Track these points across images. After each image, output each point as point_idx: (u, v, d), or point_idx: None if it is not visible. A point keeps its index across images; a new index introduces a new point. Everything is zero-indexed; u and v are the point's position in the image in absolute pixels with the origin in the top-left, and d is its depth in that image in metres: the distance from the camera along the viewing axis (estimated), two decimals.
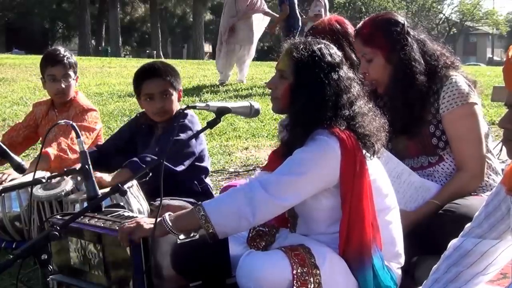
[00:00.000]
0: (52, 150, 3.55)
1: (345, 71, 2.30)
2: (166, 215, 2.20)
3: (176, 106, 3.39)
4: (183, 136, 3.26)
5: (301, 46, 2.29)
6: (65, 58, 3.80)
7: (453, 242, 2.08)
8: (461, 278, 2.02)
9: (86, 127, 3.73)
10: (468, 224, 2.07)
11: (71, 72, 3.82)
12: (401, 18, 2.82)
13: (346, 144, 2.19)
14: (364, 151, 2.25)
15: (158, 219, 2.17)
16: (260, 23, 9.69)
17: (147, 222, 2.20)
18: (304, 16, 10.54)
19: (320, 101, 2.23)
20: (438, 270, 2.06)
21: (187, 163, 3.28)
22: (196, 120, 3.39)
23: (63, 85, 3.80)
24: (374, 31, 2.77)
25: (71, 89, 3.84)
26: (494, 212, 1.98)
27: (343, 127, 2.22)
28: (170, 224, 2.16)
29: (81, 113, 3.80)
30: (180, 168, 3.22)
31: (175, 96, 3.36)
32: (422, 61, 2.74)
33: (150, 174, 2.93)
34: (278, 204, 2.19)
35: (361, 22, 2.86)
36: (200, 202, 2.22)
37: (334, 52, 2.32)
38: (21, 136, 3.98)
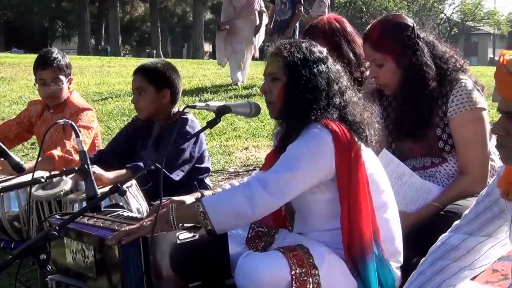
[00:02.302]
0: (56, 152, 3.55)
1: (332, 64, 2.37)
2: (173, 205, 2.24)
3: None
4: (185, 145, 3.27)
5: (287, 46, 2.36)
6: (55, 62, 3.76)
7: (441, 237, 2.09)
8: (447, 271, 2.04)
9: (83, 126, 3.72)
10: (457, 222, 2.07)
11: (61, 76, 3.79)
12: (410, 21, 2.80)
13: (339, 136, 2.21)
14: (358, 142, 2.27)
15: (164, 210, 2.20)
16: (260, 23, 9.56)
17: (147, 221, 2.22)
18: (306, 16, 10.46)
19: (313, 92, 2.28)
20: (424, 263, 2.08)
21: (186, 169, 3.28)
22: (197, 126, 3.38)
23: (52, 89, 3.77)
24: (384, 36, 2.75)
25: (62, 92, 3.82)
26: (484, 213, 1.99)
27: (335, 116, 2.26)
28: (175, 214, 2.19)
29: (76, 112, 3.79)
30: (178, 177, 3.24)
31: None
32: (433, 66, 2.73)
33: (151, 183, 2.95)
34: (276, 201, 2.22)
35: (370, 26, 2.83)
36: (200, 198, 2.23)
37: (318, 49, 2.39)
38: (13, 133, 3.97)
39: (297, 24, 9.87)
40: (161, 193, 2.23)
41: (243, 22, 9.25)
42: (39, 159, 3.41)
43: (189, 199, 2.62)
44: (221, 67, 9.84)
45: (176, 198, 2.60)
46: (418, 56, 2.72)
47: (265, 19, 9.60)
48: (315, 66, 2.31)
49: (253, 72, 10.87)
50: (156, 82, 3.36)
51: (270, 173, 2.23)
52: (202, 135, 3.48)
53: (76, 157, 3.54)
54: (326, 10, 10.05)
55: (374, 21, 2.86)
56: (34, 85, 3.91)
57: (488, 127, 2.77)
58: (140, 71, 3.42)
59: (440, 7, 45.34)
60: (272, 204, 2.22)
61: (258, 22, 9.29)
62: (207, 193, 2.73)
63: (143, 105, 3.38)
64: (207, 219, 2.17)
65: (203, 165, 3.44)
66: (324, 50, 2.40)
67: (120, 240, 2.16)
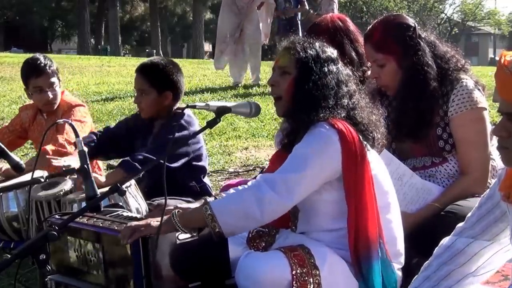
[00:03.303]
0: (50, 146, 3.53)
1: (343, 67, 2.38)
2: (175, 211, 2.22)
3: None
4: (178, 135, 3.25)
5: (301, 42, 2.37)
6: (47, 67, 3.73)
7: (444, 241, 2.09)
8: (452, 277, 2.03)
9: (77, 121, 3.69)
10: (460, 224, 2.07)
11: (55, 80, 3.77)
12: (411, 21, 2.80)
13: (346, 136, 2.21)
14: (364, 142, 2.26)
15: (167, 217, 2.19)
16: (264, 23, 9.49)
17: (155, 221, 2.21)
18: (314, 14, 10.40)
19: (322, 90, 2.28)
20: (429, 267, 2.07)
21: (181, 161, 3.27)
22: (193, 121, 3.36)
23: (51, 95, 3.75)
24: (386, 37, 2.74)
25: (58, 96, 3.80)
26: (487, 216, 1.99)
27: (343, 116, 2.26)
28: (178, 219, 2.18)
29: (68, 109, 3.77)
30: (174, 165, 3.21)
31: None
32: (434, 66, 2.72)
33: (143, 171, 2.93)
34: (285, 203, 2.20)
35: (371, 26, 2.83)
36: (207, 201, 2.22)
37: (331, 50, 2.40)
38: (6, 140, 3.90)
39: (299, 23, 9.86)
40: (165, 192, 2.21)
41: (247, 22, 9.18)
42: (34, 156, 3.41)
43: (194, 206, 2.60)
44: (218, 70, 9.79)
45: (184, 205, 2.58)
46: (419, 56, 2.72)
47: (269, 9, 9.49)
48: (326, 64, 2.32)
49: None
50: (157, 84, 3.33)
51: (278, 174, 2.22)
52: (200, 134, 3.46)
53: (70, 149, 3.53)
54: (335, 9, 10.03)
55: (375, 22, 2.85)
56: (28, 94, 3.82)
57: (489, 127, 2.76)
58: (142, 72, 3.39)
59: (440, 7, 45.33)
60: (281, 206, 2.19)
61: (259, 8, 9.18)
62: (210, 200, 2.71)
63: (145, 106, 3.37)
64: (215, 221, 2.15)
65: (200, 163, 3.42)
66: (335, 52, 2.40)
67: (129, 236, 2.16)
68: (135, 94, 3.45)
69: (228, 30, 9.18)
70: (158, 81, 3.33)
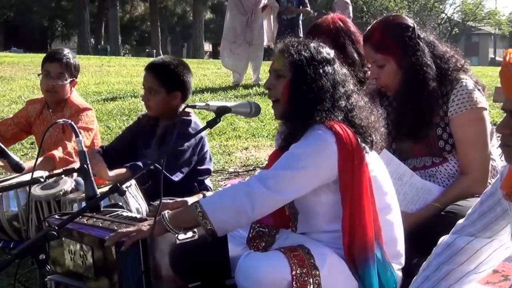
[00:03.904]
0: (58, 153, 3.54)
1: (339, 67, 2.35)
2: (165, 212, 2.21)
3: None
4: (185, 145, 3.25)
5: (296, 44, 2.35)
6: (64, 58, 3.79)
7: (444, 239, 2.09)
8: (452, 276, 2.03)
9: (83, 128, 3.71)
10: (460, 221, 2.08)
11: (66, 73, 3.79)
12: (410, 22, 2.81)
13: (343, 138, 2.20)
14: (362, 145, 2.25)
15: (159, 218, 2.18)
16: (268, 29, 9.46)
17: (146, 225, 2.20)
18: (315, 15, 10.42)
19: (318, 92, 2.26)
20: (428, 267, 2.07)
21: (185, 170, 3.27)
22: (199, 128, 3.35)
23: (53, 83, 3.77)
24: (385, 38, 2.75)
25: (63, 90, 3.80)
26: (489, 213, 1.99)
27: (340, 118, 2.24)
28: (168, 220, 2.17)
29: (76, 113, 3.78)
30: (177, 177, 3.22)
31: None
32: (434, 66, 2.73)
33: (150, 182, 2.94)
34: (275, 198, 2.19)
35: (370, 27, 2.83)
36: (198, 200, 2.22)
37: (327, 50, 2.37)
38: (10, 132, 3.95)
39: (301, 24, 9.84)
40: (161, 193, 2.22)
41: (254, 22, 9.15)
42: (40, 159, 3.41)
43: (192, 200, 2.60)
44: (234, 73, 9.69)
45: (179, 199, 2.58)
46: (419, 56, 2.72)
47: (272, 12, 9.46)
48: (321, 66, 2.30)
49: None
50: (168, 84, 3.32)
51: (270, 171, 2.23)
52: (205, 136, 3.47)
53: (77, 159, 3.53)
54: (351, 12, 10.05)
55: (374, 22, 2.86)
56: (38, 75, 3.91)
57: (489, 127, 2.76)
58: (153, 70, 3.37)
59: (441, 7, 45.34)
60: (271, 201, 2.19)
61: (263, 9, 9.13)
62: (208, 194, 2.71)
63: (153, 104, 3.36)
64: (206, 218, 2.15)
65: (203, 167, 3.42)
66: (332, 52, 2.38)
67: (118, 241, 2.15)
68: (144, 92, 3.42)
69: (237, 29, 9.12)
70: (169, 80, 3.34)
